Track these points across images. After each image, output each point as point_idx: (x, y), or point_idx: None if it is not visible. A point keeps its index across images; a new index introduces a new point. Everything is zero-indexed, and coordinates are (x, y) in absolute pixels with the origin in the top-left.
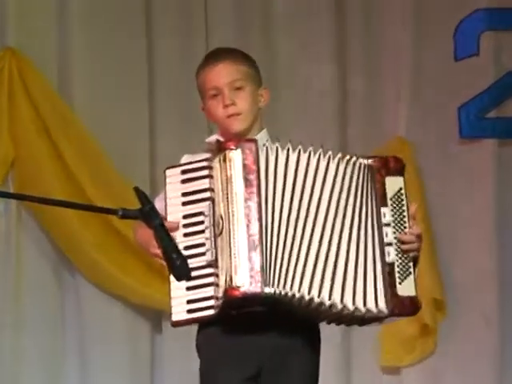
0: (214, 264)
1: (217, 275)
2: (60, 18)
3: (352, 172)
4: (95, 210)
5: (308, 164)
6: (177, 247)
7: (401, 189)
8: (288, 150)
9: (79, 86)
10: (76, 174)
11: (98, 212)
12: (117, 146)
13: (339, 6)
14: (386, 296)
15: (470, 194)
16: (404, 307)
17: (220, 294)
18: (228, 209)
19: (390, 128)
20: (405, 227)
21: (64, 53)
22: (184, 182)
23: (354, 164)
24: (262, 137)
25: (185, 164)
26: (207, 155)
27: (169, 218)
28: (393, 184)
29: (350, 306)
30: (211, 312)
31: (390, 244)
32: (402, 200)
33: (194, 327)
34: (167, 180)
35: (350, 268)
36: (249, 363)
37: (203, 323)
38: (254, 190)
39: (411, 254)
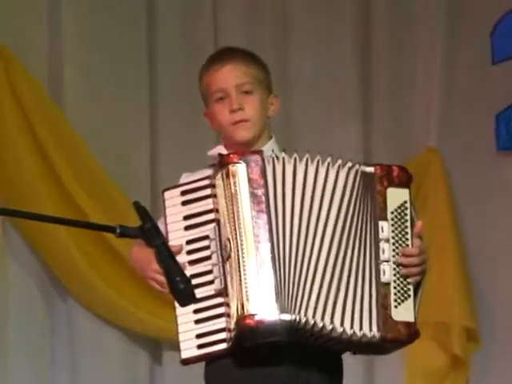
0: (223, 292)
1: (227, 304)
2: (51, 14)
3: (354, 181)
4: (90, 227)
5: (316, 175)
6: (180, 269)
7: (405, 202)
8: (295, 159)
9: (70, 87)
10: (68, 187)
11: (94, 229)
12: (113, 153)
13: (363, 2)
14: (378, 320)
15: (507, 211)
16: (398, 333)
17: (232, 325)
18: (235, 230)
19: (420, 138)
20: (406, 245)
21: (54, 52)
22: (185, 203)
23: (356, 172)
24: (269, 147)
25: (184, 184)
26: (208, 172)
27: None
28: (396, 196)
29: (348, 331)
30: (224, 346)
31: (386, 261)
32: (406, 215)
33: None
34: (166, 203)
35: (350, 290)
36: None
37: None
38: (263, 206)
39: (411, 279)
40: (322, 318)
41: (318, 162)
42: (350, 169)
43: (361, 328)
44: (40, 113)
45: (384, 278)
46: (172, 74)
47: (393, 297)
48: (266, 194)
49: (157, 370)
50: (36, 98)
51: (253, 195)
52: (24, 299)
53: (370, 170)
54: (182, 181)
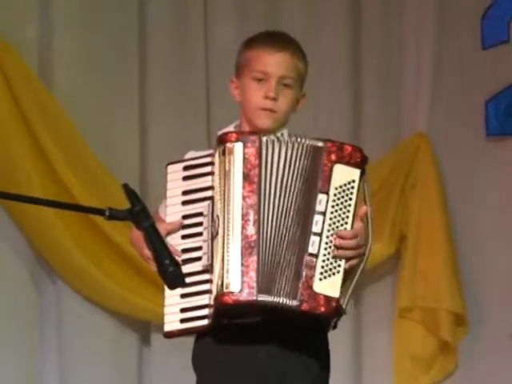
0: (210, 269)
1: (212, 282)
2: (42, 2)
3: (303, 154)
4: (79, 209)
5: (285, 155)
6: (169, 252)
7: (352, 181)
8: (287, 143)
9: (61, 72)
10: (58, 169)
11: (83, 212)
12: (103, 136)
13: None
14: (298, 289)
15: (496, 197)
16: (316, 304)
17: (212, 302)
18: (224, 207)
19: (409, 123)
20: (344, 224)
21: (45, 38)
22: (185, 179)
23: (307, 146)
24: (283, 134)
25: (188, 160)
26: (211, 151)
27: (168, 219)
28: (344, 174)
29: (277, 299)
30: (205, 322)
31: (317, 234)
32: (351, 194)
33: (186, 339)
34: (168, 176)
35: (290, 261)
36: (247, 380)
37: (200, 333)
38: (254, 187)
39: (345, 262)
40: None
41: (291, 143)
42: (304, 144)
43: (287, 296)
44: (30, 95)
45: (311, 249)
46: (162, 59)
47: (319, 269)
48: (259, 175)
49: (145, 352)
50: (26, 81)
51: (246, 175)
52: (12, 281)
53: (321, 144)
54: (187, 157)
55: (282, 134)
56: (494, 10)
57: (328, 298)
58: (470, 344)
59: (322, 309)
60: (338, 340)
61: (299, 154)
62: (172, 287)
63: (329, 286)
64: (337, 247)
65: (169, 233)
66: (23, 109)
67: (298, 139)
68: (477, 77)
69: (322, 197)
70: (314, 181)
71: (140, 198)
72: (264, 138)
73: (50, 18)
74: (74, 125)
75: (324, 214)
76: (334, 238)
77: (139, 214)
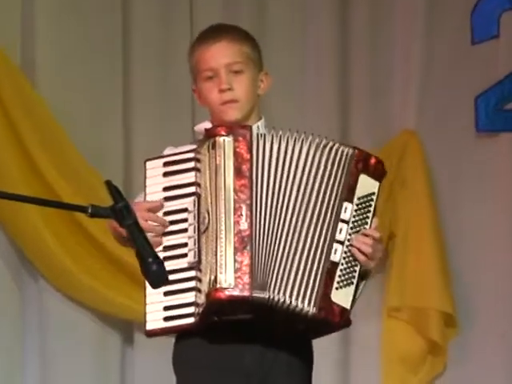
0: (196, 266)
1: (199, 279)
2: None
3: (331, 159)
4: (61, 206)
5: (299, 153)
6: (153, 249)
7: (373, 194)
8: (280, 137)
9: (44, 71)
10: (40, 166)
11: (65, 209)
12: (86, 132)
13: None
14: (317, 296)
15: (485, 193)
16: (332, 313)
17: (202, 300)
18: (216, 202)
19: (397, 120)
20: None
21: (27, 37)
22: (166, 175)
23: (336, 151)
24: (258, 126)
25: (168, 155)
26: (194, 146)
27: None
28: (367, 184)
29: (293, 303)
30: (191, 320)
31: (340, 242)
32: (370, 206)
33: (169, 339)
34: (147, 173)
35: (301, 264)
36: (232, 381)
37: (181, 334)
38: (246, 181)
39: (361, 260)
40: (284, 294)
41: (301, 140)
42: (331, 147)
43: (302, 301)
44: (12, 92)
45: (334, 257)
46: (147, 56)
47: (337, 278)
48: (250, 170)
49: (128, 352)
50: (9, 78)
51: (237, 169)
52: None
53: (350, 150)
54: (165, 153)
55: (258, 127)
56: (484, 5)
57: (342, 309)
58: (459, 345)
59: (336, 319)
60: (324, 340)
61: (313, 152)
62: (155, 286)
63: (343, 296)
64: (357, 247)
65: (150, 210)
66: (5, 105)
67: (303, 136)
68: (466, 72)
69: (347, 205)
70: (335, 185)
71: (123, 194)
72: (254, 131)
73: (32, 16)
74: (57, 121)
75: (348, 222)
76: (357, 236)
77: (122, 210)
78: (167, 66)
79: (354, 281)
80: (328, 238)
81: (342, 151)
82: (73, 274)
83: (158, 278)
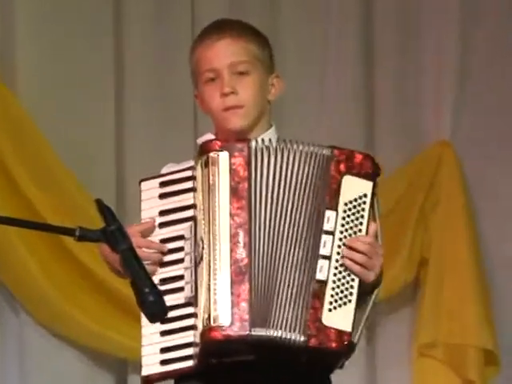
0: (194, 301)
1: (197, 316)
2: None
3: (310, 166)
4: (45, 228)
5: (291, 167)
6: (150, 278)
7: (364, 196)
8: (276, 150)
9: (25, 76)
10: (20, 182)
11: (49, 231)
12: (73, 145)
13: None
14: (305, 322)
15: None
16: (327, 339)
17: (198, 339)
18: (209, 228)
19: (430, 130)
20: None
21: (6, 38)
22: (162, 196)
23: (315, 156)
24: (267, 136)
25: (164, 174)
26: (193, 162)
27: None
28: (354, 187)
29: (281, 334)
30: (190, 363)
31: (326, 257)
32: (363, 210)
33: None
34: (142, 195)
35: (296, 290)
36: None
37: (182, 377)
38: (244, 203)
39: (357, 271)
40: (280, 328)
41: (293, 150)
42: (310, 153)
43: (293, 331)
44: None
45: (320, 276)
46: (142, 60)
47: (328, 298)
48: (249, 189)
49: None
50: None
51: (233, 189)
52: None
53: (327, 151)
54: (163, 171)
55: (270, 140)
56: None
57: (339, 332)
58: None
59: (333, 344)
60: (348, 381)
61: (298, 163)
62: (153, 320)
63: (340, 317)
64: (352, 248)
65: (143, 235)
66: None
67: (295, 145)
68: (506, 78)
69: (330, 214)
70: (319, 195)
71: (115, 215)
72: (253, 145)
73: (11, 16)
74: (41, 132)
75: (333, 233)
76: (346, 242)
77: (114, 234)
78: (166, 69)
79: (353, 298)
80: (310, 256)
81: (319, 154)
82: (58, 306)
83: (156, 310)
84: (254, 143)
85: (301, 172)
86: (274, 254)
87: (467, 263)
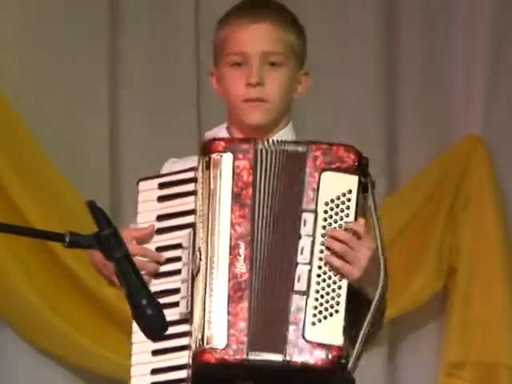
0: (190, 318)
1: (191, 334)
2: None
3: (281, 165)
4: (33, 234)
5: (270, 170)
6: (148, 289)
7: (349, 192)
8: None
9: (15, 73)
10: (5, 184)
11: (37, 237)
12: (65, 145)
13: None
14: (286, 338)
15: None
16: (312, 356)
17: (190, 360)
18: (207, 237)
19: (460, 124)
20: None
21: None
22: (161, 199)
23: (292, 153)
24: (282, 135)
25: (164, 175)
26: (196, 161)
27: None
28: (337, 183)
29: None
30: None
31: (305, 263)
32: (348, 208)
33: None
34: (139, 196)
35: (280, 307)
36: None
37: None
38: (247, 212)
39: (338, 265)
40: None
41: (271, 152)
42: (285, 152)
43: (279, 352)
44: None
45: (298, 286)
46: (139, 51)
47: (311, 311)
48: (253, 196)
49: None
50: None
51: (236, 195)
52: None
53: (301, 148)
54: (165, 168)
55: (273, 141)
56: None
57: (325, 347)
58: None
59: (319, 362)
60: None
61: (275, 164)
62: (151, 336)
63: (326, 330)
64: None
65: (138, 241)
66: None
67: (273, 146)
68: None
69: (306, 216)
70: (295, 196)
71: (110, 219)
72: (260, 147)
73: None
74: (29, 131)
75: (312, 237)
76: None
77: (109, 239)
78: (166, 59)
79: (340, 308)
80: (287, 265)
81: (294, 152)
82: (46, 321)
83: (156, 325)
84: (260, 145)
85: (278, 174)
86: (270, 269)
87: (500, 271)
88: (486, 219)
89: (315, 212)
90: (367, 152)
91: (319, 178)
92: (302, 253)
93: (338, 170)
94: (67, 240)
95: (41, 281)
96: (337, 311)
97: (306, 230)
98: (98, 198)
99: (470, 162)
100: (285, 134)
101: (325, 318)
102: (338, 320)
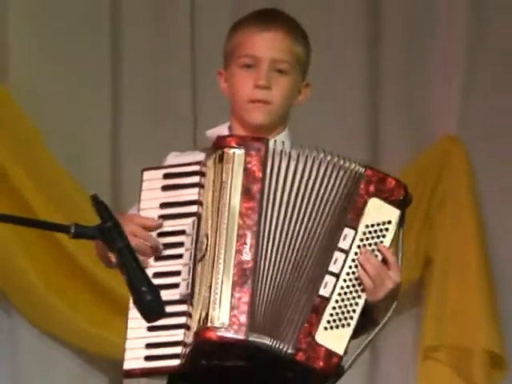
0: (188, 299)
1: (190, 314)
2: None
3: (340, 180)
4: (40, 225)
5: (316, 177)
6: (147, 276)
7: (388, 222)
8: (298, 156)
9: (19, 71)
10: (13, 178)
11: (44, 228)
12: (68, 142)
13: None
14: (298, 335)
15: None
16: (316, 356)
17: (190, 340)
18: (217, 226)
19: (438, 125)
20: None
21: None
22: (165, 189)
23: (345, 170)
24: (280, 139)
25: (169, 166)
26: (201, 156)
27: None
28: (381, 211)
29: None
30: (175, 362)
31: (334, 274)
32: (384, 236)
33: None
34: (143, 184)
35: (298, 301)
36: None
37: (172, 378)
38: (255, 204)
39: (367, 284)
40: (278, 338)
41: (320, 160)
42: (344, 167)
43: (285, 342)
44: None
45: (323, 292)
46: (139, 52)
47: (327, 316)
48: (261, 191)
49: None
50: None
51: (246, 189)
52: None
53: (361, 169)
54: (168, 161)
55: (284, 143)
56: None
57: (330, 353)
58: None
59: (321, 363)
60: None
61: (324, 173)
62: (149, 320)
63: (334, 338)
64: (363, 263)
65: (145, 227)
66: None
67: (322, 155)
68: None
69: (348, 231)
70: (342, 210)
71: (112, 212)
72: (271, 146)
73: (4, 13)
74: (35, 127)
75: (347, 252)
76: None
77: (111, 231)
78: (164, 61)
79: (352, 322)
80: (318, 270)
81: (351, 170)
82: (52, 306)
83: (154, 309)
84: (272, 144)
85: (325, 183)
86: (280, 261)
87: (474, 263)
88: (461, 214)
89: (356, 230)
90: (350, 153)
91: (367, 202)
92: (335, 263)
93: (386, 199)
94: (72, 231)
95: (48, 269)
96: (348, 324)
97: (344, 243)
98: (99, 190)
99: (447, 160)
100: (283, 137)
101: (337, 327)
102: (347, 332)
